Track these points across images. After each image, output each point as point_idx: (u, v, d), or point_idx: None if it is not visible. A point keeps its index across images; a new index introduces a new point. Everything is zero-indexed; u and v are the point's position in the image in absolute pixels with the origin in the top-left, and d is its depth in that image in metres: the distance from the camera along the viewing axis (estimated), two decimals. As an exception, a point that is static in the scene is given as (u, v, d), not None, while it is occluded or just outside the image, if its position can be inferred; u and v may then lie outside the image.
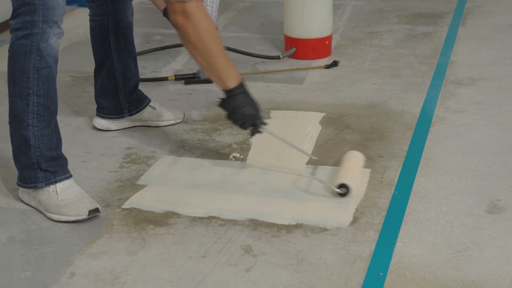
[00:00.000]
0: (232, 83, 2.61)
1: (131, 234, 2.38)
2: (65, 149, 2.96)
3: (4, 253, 2.30)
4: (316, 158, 2.78)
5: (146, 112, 3.16)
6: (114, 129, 3.15)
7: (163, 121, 3.17)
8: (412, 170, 2.75)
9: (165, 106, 3.24)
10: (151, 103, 3.18)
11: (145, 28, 4.55)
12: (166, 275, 2.17)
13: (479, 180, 2.68)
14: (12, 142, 2.50)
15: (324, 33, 3.97)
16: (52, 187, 2.50)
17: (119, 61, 3.04)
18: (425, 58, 3.96)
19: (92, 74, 3.19)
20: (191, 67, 3.88)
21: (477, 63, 3.87)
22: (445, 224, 2.41)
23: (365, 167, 2.77)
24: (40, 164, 2.48)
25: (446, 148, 2.93)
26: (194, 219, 2.46)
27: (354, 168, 2.68)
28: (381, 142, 2.99)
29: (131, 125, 3.17)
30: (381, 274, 2.16)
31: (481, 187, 2.64)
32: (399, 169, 2.76)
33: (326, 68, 3.84)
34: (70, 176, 2.55)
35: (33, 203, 2.54)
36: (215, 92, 3.55)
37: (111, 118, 3.13)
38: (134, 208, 2.53)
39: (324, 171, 2.75)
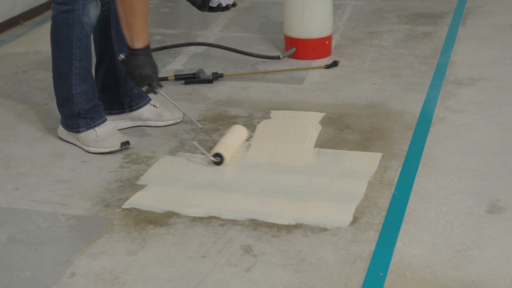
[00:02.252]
0: (139, 45, 2.80)
1: (131, 234, 2.38)
2: (66, 149, 2.97)
3: (4, 253, 2.30)
4: (201, 126, 3.07)
5: (147, 111, 3.17)
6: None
7: (162, 121, 3.18)
8: (412, 170, 2.75)
9: (165, 106, 3.24)
10: (151, 101, 3.19)
11: (145, 28, 4.55)
12: (166, 275, 2.17)
13: (479, 180, 2.68)
14: (56, 94, 2.95)
15: (324, 33, 3.97)
16: (91, 130, 2.93)
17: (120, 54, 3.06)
18: (425, 58, 3.96)
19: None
20: (191, 67, 3.88)
21: (477, 63, 3.87)
22: (445, 224, 2.41)
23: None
24: (81, 113, 2.92)
25: (446, 148, 2.93)
26: (194, 219, 2.46)
27: (232, 140, 2.89)
28: (381, 142, 2.99)
29: (131, 125, 3.18)
30: (381, 274, 2.16)
31: (481, 187, 2.64)
32: (399, 169, 2.76)
33: (326, 68, 3.84)
34: (106, 119, 2.98)
35: (72, 140, 2.99)
36: (215, 92, 3.55)
37: (111, 114, 3.15)
38: (134, 208, 2.53)
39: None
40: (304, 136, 3.05)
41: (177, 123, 3.19)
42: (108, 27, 3.03)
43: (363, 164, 2.80)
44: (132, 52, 2.81)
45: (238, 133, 2.95)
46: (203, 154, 2.85)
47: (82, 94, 2.89)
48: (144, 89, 2.90)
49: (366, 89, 3.56)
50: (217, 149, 2.81)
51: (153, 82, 2.86)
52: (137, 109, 3.16)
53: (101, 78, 3.12)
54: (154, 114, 3.17)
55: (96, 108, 2.95)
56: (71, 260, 2.25)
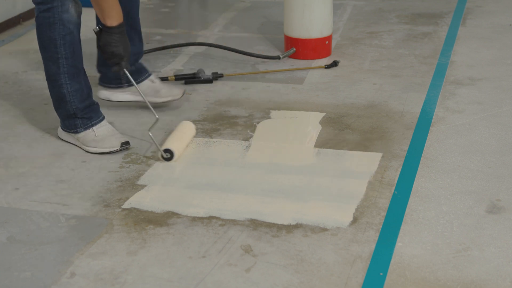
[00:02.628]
0: (111, 22, 2.79)
1: (131, 234, 2.38)
2: (66, 149, 2.97)
3: (4, 253, 2.30)
4: (157, 117, 2.95)
5: (144, 86, 3.22)
6: (114, 100, 3.25)
7: (160, 97, 3.24)
8: (412, 170, 2.75)
9: (164, 83, 3.30)
10: (150, 77, 3.25)
11: (145, 28, 4.53)
12: (166, 275, 2.17)
13: (479, 180, 2.68)
14: (51, 96, 2.97)
15: (324, 33, 3.97)
16: (89, 130, 2.94)
17: None
18: (425, 58, 3.96)
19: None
20: (191, 67, 3.88)
21: (477, 63, 3.87)
22: (445, 224, 2.41)
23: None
24: (77, 114, 2.93)
25: (446, 148, 2.93)
26: (194, 219, 2.46)
27: (181, 136, 2.93)
28: (381, 142, 2.99)
29: (131, 99, 3.24)
30: (381, 274, 2.16)
31: (481, 187, 2.64)
32: (399, 169, 2.76)
33: (326, 68, 3.84)
34: (103, 118, 2.99)
35: (72, 141, 2.99)
36: (215, 92, 3.55)
37: (110, 87, 3.24)
38: (134, 208, 2.53)
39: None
40: (304, 136, 3.05)
41: (175, 99, 3.25)
42: None
43: (363, 164, 2.80)
44: (106, 29, 2.80)
45: (187, 129, 2.99)
46: (156, 147, 2.88)
47: (74, 93, 2.90)
48: (113, 68, 2.88)
49: (366, 89, 3.56)
50: (167, 145, 2.84)
51: (122, 61, 2.85)
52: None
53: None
54: (152, 90, 3.23)
55: (92, 107, 2.97)
56: (71, 260, 2.25)
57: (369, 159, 2.84)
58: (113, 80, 3.23)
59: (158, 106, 3.24)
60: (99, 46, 2.87)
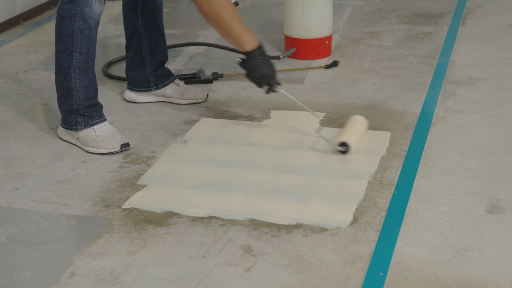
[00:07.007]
0: (249, 46, 2.90)
1: (131, 234, 2.38)
2: (66, 149, 2.98)
3: (4, 253, 2.30)
4: (323, 118, 3.04)
5: (170, 89, 3.39)
6: (139, 102, 3.41)
7: (184, 99, 3.39)
8: (412, 170, 2.76)
9: (188, 86, 3.45)
10: (175, 80, 3.41)
11: (145, 28, 4.55)
12: (166, 275, 2.17)
13: (479, 180, 2.68)
14: (57, 90, 2.97)
15: (324, 33, 3.97)
16: (90, 129, 2.94)
17: (146, 37, 3.31)
18: (425, 58, 3.96)
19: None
20: (191, 67, 3.88)
21: (477, 63, 3.87)
22: (445, 224, 2.41)
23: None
24: (79, 110, 2.94)
25: (446, 148, 2.93)
26: (194, 219, 2.46)
27: (355, 130, 2.94)
28: (381, 142, 2.99)
29: (156, 100, 3.40)
30: (381, 274, 2.16)
31: (481, 187, 2.64)
32: (399, 169, 2.76)
33: (326, 68, 3.84)
34: (105, 119, 2.99)
35: (72, 140, 2.99)
36: (215, 91, 3.55)
37: (138, 90, 3.39)
38: (134, 208, 2.53)
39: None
40: (304, 136, 3.05)
41: (199, 102, 3.38)
42: (136, 13, 3.26)
43: (363, 164, 2.80)
44: (247, 56, 2.91)
45: (359, 123, 3.01)
46: (329, 143, 2.90)
47: (82, 89, 2.91)
48: (264, 89, 2.96)
49: (366, 89, 3.56)
50: (343, 138, 2.85)
51: (271, 80, 2.93)
52: (162, 87, 3.39)
53: (129, 57, 3.37)
54: (177, 92, 3.39)
55: (96, 107, 2.98)
56: (71, 260, 2.25)
57: (369, 158, 2.84)
58: (141, 83, 3.37)
59: (175, 107, 3.36)
60: (245, 74, 2.96)
